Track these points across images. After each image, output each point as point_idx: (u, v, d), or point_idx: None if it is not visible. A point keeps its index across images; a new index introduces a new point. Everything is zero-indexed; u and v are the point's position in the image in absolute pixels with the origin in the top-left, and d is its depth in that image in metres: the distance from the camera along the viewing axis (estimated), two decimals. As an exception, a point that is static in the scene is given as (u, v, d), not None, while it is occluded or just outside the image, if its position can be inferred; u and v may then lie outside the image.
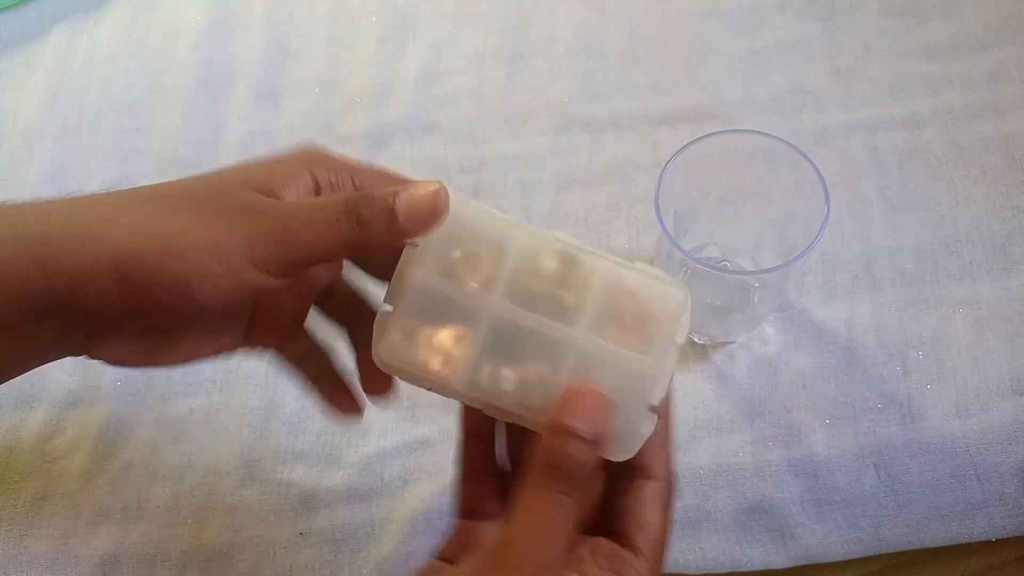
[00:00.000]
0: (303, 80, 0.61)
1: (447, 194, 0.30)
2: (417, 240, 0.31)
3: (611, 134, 0.56)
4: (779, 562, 0.44)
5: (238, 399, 0.50)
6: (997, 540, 0.44)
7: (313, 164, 0.32)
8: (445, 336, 0.31)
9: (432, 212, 0.30)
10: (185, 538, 0.47)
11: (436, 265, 0.31)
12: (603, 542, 0.31)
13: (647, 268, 0.31)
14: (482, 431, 0.35)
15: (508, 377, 0.30)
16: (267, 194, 0.30)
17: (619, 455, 0.30)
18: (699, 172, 0.43)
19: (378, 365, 0.31)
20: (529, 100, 0.58)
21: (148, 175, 0.58)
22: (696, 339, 0.49)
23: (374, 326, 0.31)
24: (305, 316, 0.37)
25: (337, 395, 0.38)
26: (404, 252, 0.31)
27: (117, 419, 0.50)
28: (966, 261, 0.50)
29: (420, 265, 0.31)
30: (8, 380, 0.31)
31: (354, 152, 0.57)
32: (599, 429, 0.28)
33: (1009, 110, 0.54)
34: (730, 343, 0.49)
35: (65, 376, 0.51)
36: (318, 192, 0.32)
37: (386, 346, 0.31)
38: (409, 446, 0.48)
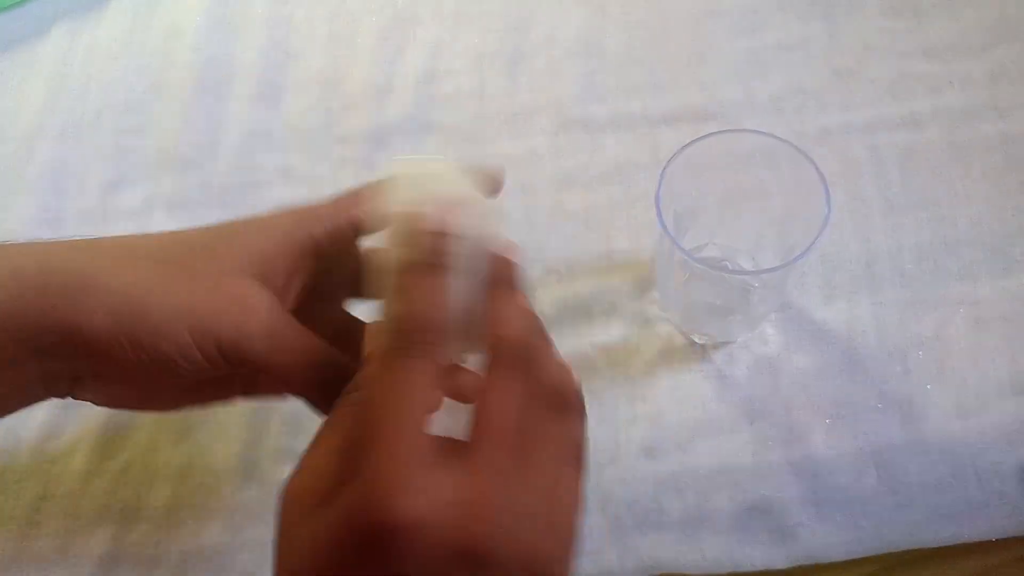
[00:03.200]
0: (303, 80, 0.61)
1: None
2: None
3: (611, 134, 0.56)
4: (779, 562, 0.44)
5: (238, 399, 0.50)
6: (997, 540, 0.44)
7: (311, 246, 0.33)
8: None
9: None
10: (185, 538, 0.47)
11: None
12: None
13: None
14: None
15: None
16: (264, 280, 0.32)
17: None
18: (699, 172, 0.43)
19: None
20: (529, 100, 0.58)
21: (148, 175, 0.58)
22: (696, 339, 0.49)
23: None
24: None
25: None
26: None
27: (117, 419, 0.50)
28: (966, 261, 0.50)
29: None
30: None
31: (354, 152, 0.57)
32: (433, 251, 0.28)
33: (1009, 110, 0.54)
34: (730, 343, 0.49)
35: (65, 376, 0.51)
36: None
37: None
38: (409, 446, 0.48)
